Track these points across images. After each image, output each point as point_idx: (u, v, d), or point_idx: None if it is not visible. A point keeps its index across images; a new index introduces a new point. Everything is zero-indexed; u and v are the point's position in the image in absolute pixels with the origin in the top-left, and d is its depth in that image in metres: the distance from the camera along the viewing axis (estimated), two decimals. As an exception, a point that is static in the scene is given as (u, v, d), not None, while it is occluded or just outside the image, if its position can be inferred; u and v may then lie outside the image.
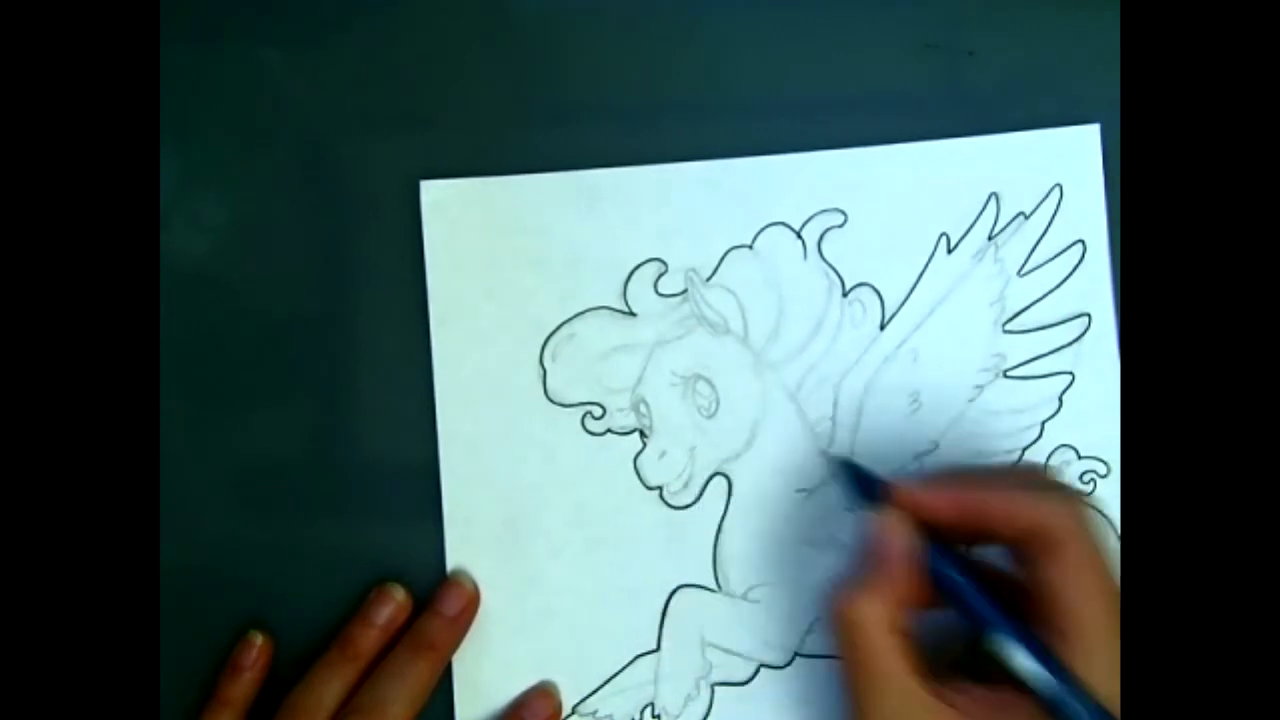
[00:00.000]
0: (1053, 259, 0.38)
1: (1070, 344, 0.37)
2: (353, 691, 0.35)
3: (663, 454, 0.38)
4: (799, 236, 0.38)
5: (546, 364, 0.38)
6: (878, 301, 0.38)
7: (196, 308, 0.38)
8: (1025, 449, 0.37)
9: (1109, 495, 0.37)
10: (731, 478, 0.38)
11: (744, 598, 0.37)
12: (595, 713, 0.37)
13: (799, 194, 0.38)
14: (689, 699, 0.37)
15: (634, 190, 0.38)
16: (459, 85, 0.39)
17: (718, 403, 0.38)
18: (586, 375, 0.38)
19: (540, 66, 0.39)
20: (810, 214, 0.38)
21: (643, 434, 0.38)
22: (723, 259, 0.38)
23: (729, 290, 0.38)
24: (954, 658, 0.32)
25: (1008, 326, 0.38)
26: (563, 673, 0.37)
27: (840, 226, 0.38)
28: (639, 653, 0.37)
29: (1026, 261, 0.38)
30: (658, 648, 0.37)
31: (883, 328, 0.38)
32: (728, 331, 0.38)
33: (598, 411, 0.38)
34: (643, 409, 0.38)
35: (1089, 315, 0.37)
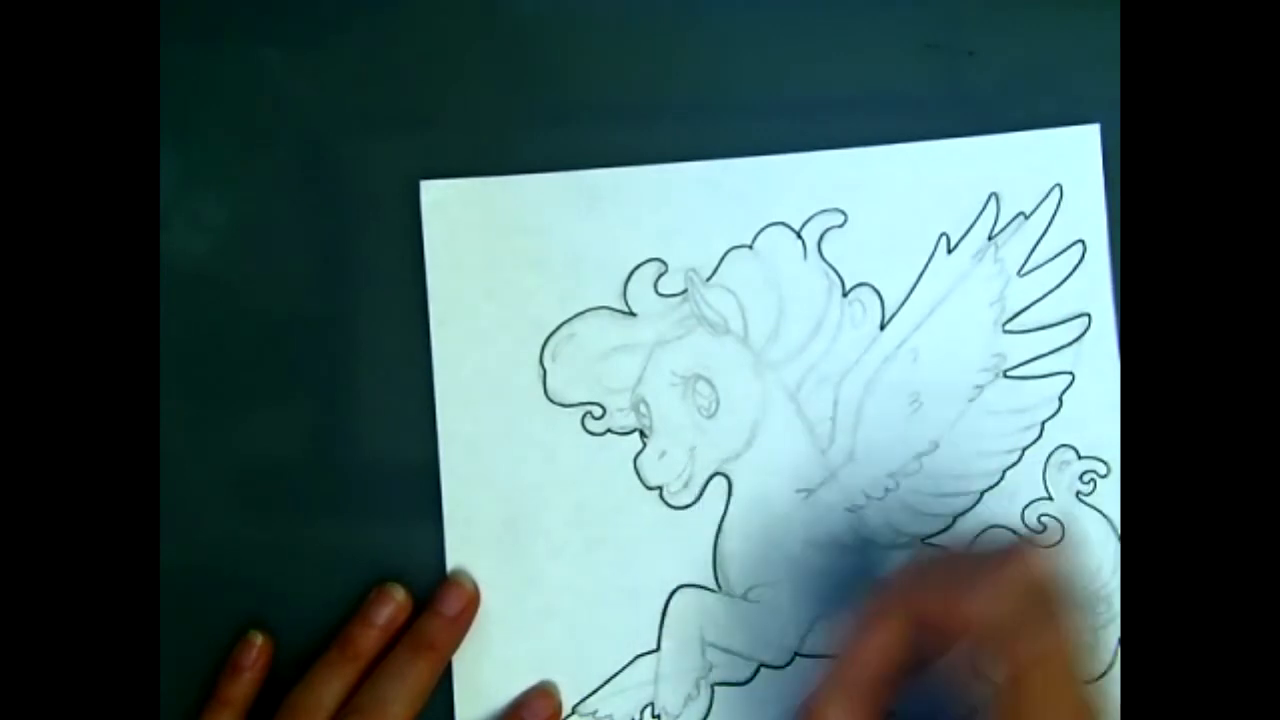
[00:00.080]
0: (1053, 259, 0.38)
1: (1070, 344, 0.37)
2: (353, 691, 0.35)
3: (663, 454, 0.38)
4: (799, 236, 0.38)
5: (546, 364, 0.38)
6: (878, 301, 0.38)
7: (196, 308, 0.38)
8: (1025, 449, 0.37)
9: (1109, 495, 0.37)
10: (731, 478, 0.38)
11: (744, 598, 0.37)
12: (595, 713, 0.37)
13: (799, 194, 0.38)
14: (689, 699, 0.37)
15: (634, 190, 0.38)
16: (459, 85, 0.39)
17: (718, 403, 0.38)
18: (586, 375, 0.38)
19: (540, 66, 0.39)
20: (810, 214, 0.38)
21: (643, 434, 0.38)
22: (723, 259, 0.38)
23: (729, 290, 0.38)
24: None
25: (1008, 326, 0.38)
26: (563, 673, 0.37)
27: (840, 226, 0.38)
28: (639, 653, 0.37)
29: (1026, 261, 0.38)
30: (658, 648, 0.37)
31: (883, 328, 0.38)
32: (728, 331, 0.38)
33: (598, 411, 0.38)
34: (643, 409, 0.38)
35: (1089, 315, 0.37)
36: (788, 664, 0.37)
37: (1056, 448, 0.37)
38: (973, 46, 0.38)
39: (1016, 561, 0.30)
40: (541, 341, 0.38)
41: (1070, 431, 0.37)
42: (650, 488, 0.38)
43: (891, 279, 0.38)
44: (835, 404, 0.37)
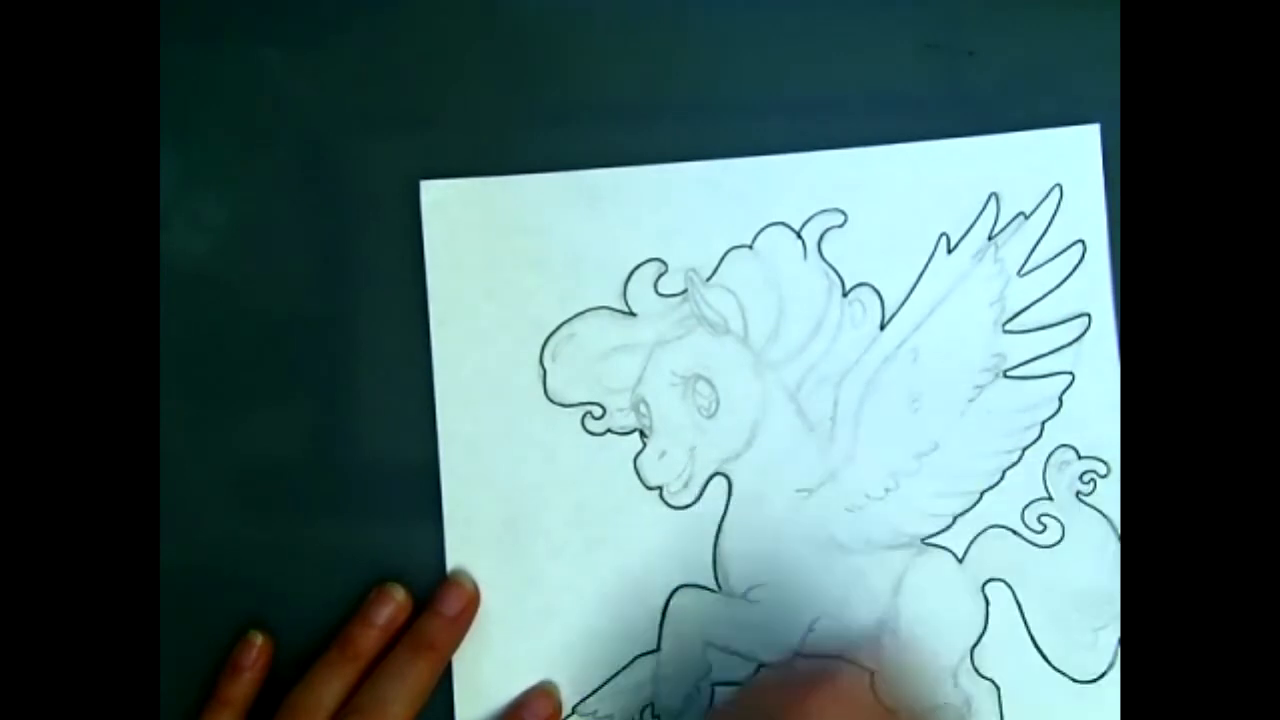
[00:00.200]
0: (1053, 259, 0.38)
1: (1070, 344, 0.37)
2: (353, 691, 0.35)
3: (663, 454, 0.38)
4: (799, 236, 0.38)
5: (546, 364, 0.38)
6: (878, 301, 0.38)
7: (196, 308, 0.38)
8: (1025, 449, 0.37)
9: (1109, 495, 0.37)
10: (731, 478, 0.38)
11: (744, 598, 0.37)
12: (595, 713, 0.37)
13: (799, 194, 0.38)
14: (689, 699, 0.37)
15: (634, 190, 0.38)
16: (459, 85, 0.39)
17: (718, 403, 0.38)
18: (586, 375, 0.38)
19: (540, 66, 0.39)
20: (810, 214, 0.38)
21: (643, 434, 0.38)
22: (723, 259, 0.38)
23: (729, 290, 0.38)
24: None
25: (1008, 326, 0.38)
26: (563, 673, 0.37)
27: (840, 226, 0.38)
28: (639, 653, 0.37)
29: (1026, 261, 0.38)
30: (658, 648, 0.37)
31: (883, 328, 0.38)
32: (728, 331, 0.38)
33: (598, 411, 0.38)
34: (643, 409, 0.38)
35: (1089, 315, 0.37)
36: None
37: (1056, 448, 0.37)
38: (973, 46, 0.38)
39: (826, 684, 0.33)
40: (541, 341, 0.38)
41: (1070, 431, 0.37)
42: (650, 488, 0.38)
43: (891, 279, 0.38)
44: (835, 404, 0.37)
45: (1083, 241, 0.38)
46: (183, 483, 0.38)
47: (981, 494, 0.37)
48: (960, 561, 0.37)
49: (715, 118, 0.38)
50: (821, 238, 0.38)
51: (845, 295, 0.38)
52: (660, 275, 0.38)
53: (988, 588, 0.37)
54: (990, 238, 0.38)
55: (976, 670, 0.37)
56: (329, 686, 0.35)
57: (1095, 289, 0.38)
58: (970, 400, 0.37)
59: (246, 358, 0.38)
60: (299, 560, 0.38)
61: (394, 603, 0.37)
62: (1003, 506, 0.37)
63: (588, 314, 0.38)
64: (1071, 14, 0.38)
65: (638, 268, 0.38)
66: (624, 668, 0.37)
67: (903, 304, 0.38)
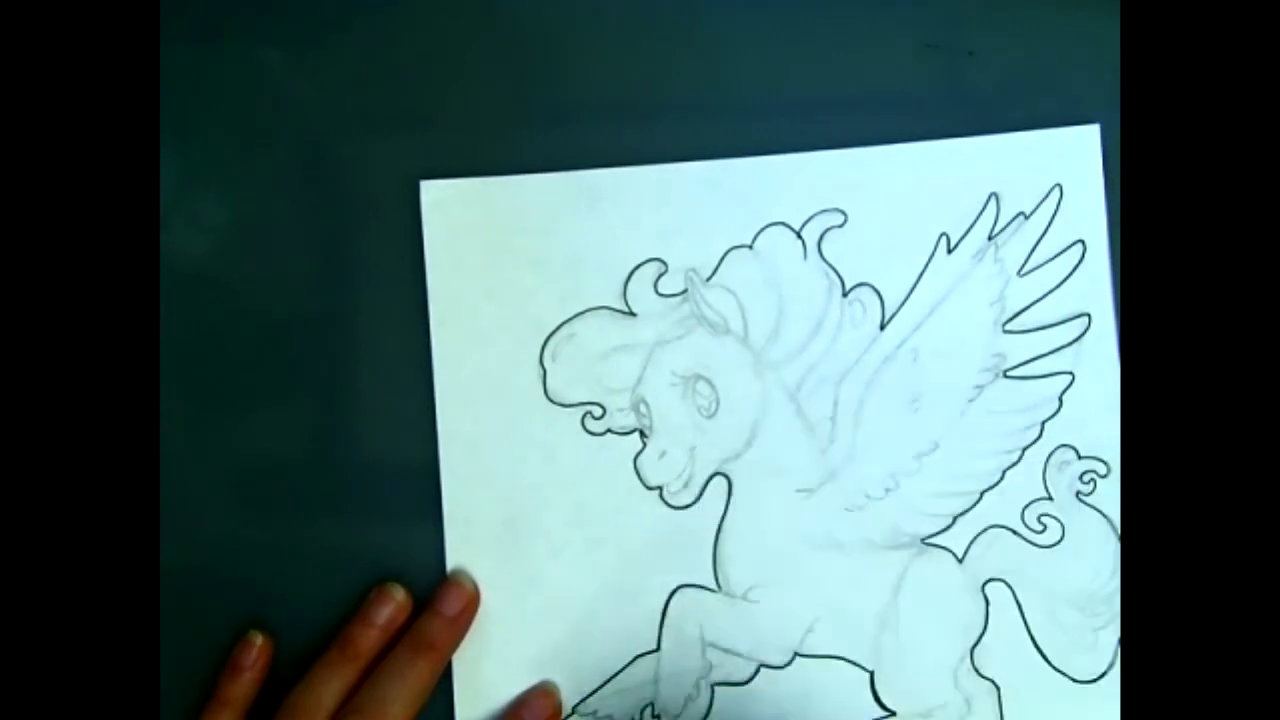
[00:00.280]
0: (1053, 259, 0.38)
1: (1070, 344, 0.37)
2: (353, 691, 0.35)
3: (663, 454, 0.38)
4: (799, 236, 0.38)
5: (546, 364, 0.38)
6: (878, 301, 0.38)
7: (196, 308, 0.38)
8: (1025, 449, 0.37)
9: (1109, 495, 0.37)
10: (731, 478, 0.38)
11: (744, 598, 0.37)
12: (595, 713, 0.37)
13: (799, 194, 0.38)
14: (689, 699, 0.37)
15: (634, 190, 0.38)
16: (459, 85, 0.39)
17: (718, 403, 0.38)
18: (586, 375, 0.38)
19: (540, 66, 0.39)
20: (810, 214, 0.38)
21: (643, 434, 0.38)
22: (723, 259, 0.38)
23: (729, 290, 0.38)
24: None
25: (1008, 326, 0.38)
26: (563, 673, 0.37)
27: (840, 226, 0.38)
28: (639, 653, 0.37)
29: (1026, 261, 0.38)
30: (658, 648, 0.37)
31: (883, 328, 0.38)
32: (728, 331, 0.38)
33: (598, 411, 0.38)
34: (643, 409, 0.38)
35: (1089, 315, 0.37)
36: (788, 664, 0.37)
37: (1056, 448, 0.37)
38: (973, 46, 0.38)
39: None
40: (541, 341, 0.38)
41: (1070, 431, 0.37)
42: (650, 488, 0.38)
43: (891, 279, 0.38)
44: (835, 404, 0.37)
45: (1083, 241, 0.38)
46: (183, 483, 0.38)
47: (981, 494, 0.37)
48: (960, 561, 0.37)
49: (715, 118, 0.38)
50: (821, 238, 0.38)
51: (845, 295, 0.38)
52: (660, 275, 0.38)
53: (988, 588, 0.37)
54: (990, 238, 0.38)
55: (976, 670, 0.37)
56: (329, 686, 0.35)
57: (1095, 289, 0.38)
58: (970, 400, 0.37)
59: (246, 358, 0.38)
60: (299, 560, 0.38)
61: (394, 603, 0.37)
62: (1003, 506, 0.37)
63: (588, 314, 0.38)
64: (1071, 14, 0.38)
65: (638, 268, 0.38)
66: (624, 668, 0.37)
67: (903, 304, 0.38)
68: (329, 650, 0.36)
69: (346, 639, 0.36)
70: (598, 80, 0.39)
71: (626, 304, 0.38)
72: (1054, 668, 0.37)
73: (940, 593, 0.37)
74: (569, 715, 0.37)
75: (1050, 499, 0.37)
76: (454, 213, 0.38)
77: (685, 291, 0.38)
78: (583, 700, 0.37)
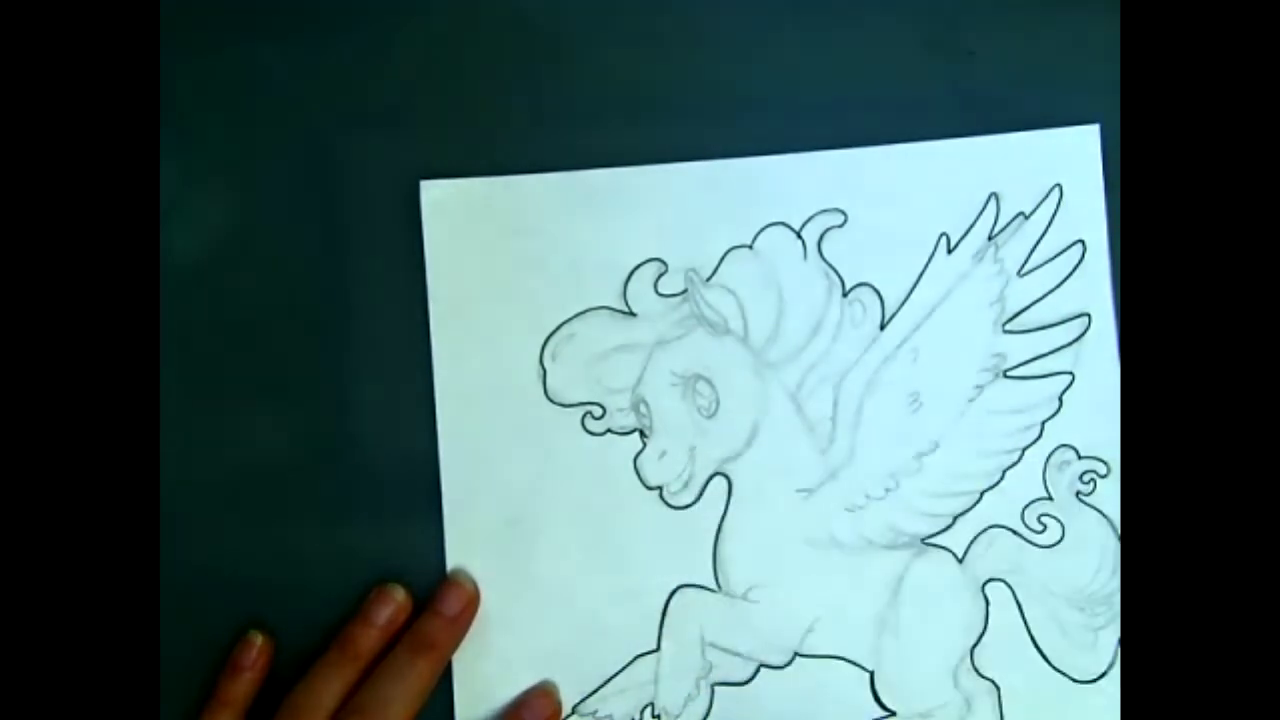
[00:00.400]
0: (1053, 259, 0.38)
1: (1070, 344, 0.37)
2: (353, 691, 0.35)
3: (663, 454, 0.38)
4: (799, 236, 0.38)
5: (546, 364, 0.38)
6: (878, 301, 0.38)
7: (196, 308, 0.38)
8: (1025, 449, 0.37)
9: (1109, 495, 0.37)
10: (731, 478, 0.38)
11: (744, 598, 0.37)
12: (595, 713, 0.37)
13: (799, 194, 0.38)
14: (689, 699, 0.37)
15: (634, 190, 0.38)
16: (459, 85, 0.39)
17: (718, 403, 0.38)
18: (586, 375, 0.38)
19: (541, 66, 0.39)
20: (810, 214, 0.38)
21: (643, 434, 0.38)
22: (723, 259, 0.38)
23: (729, 290, 0.38)
24: None
25: (1008, 326, 0.38)
26: (563, 673, 0.37)
27: (840, 226, 0.38)
28: (639, 653, 0.37)
29: (1026, 261, 0.38)
30: (658, 648, 0.37)
31: (883, 328, 0.38)
32: (728, 331, 0.38)
33: (598, 411, 0.38)
34: (643, 409, 0.38)
35: (1089, 315, 0.37)
36: (788, 664, 0.37)
37: (1056, 448, 0.37)
38: (973, 46, 0.38)
39: None
40: (541, 341, 0.38)
41: (1070, 431, 0.37)
42: (650, 488, 0.38)
43: (891, 279, 0.38)
44: (835, 404, 0.37)
45: (1082, 242, 0.38)
46: (183, 482, 0.38)
47: (981, 494, 0.37)
48: (960, 561, 0.37)
49: (715, 118, 0.38)
50: (821, 238, 0.38)
51: (845, 295, 0.38)
52: (660, 275, 0.38)
53: (988, 588, 0.37)
54: (990, 238, 0.38)
55: (976, 670, 0.37)
56: (329, 686, 0.35)
57: (1095, 289, 0.38)
58: (970, 400, 0.37)
59: (246, 357, 0.38)
60: (299, 560, 0.38)
61: (394, 603, 0.37)
62: (1003, 506, 0.37)
63: (588, 314, 0.38)
64: (1071, 14, 0.38)
65: (638, 268, 0.38)
66: (624, 668, 0.37)
67: (903, 304, 0.38)
68: (329, 650, 0.36)
69: (346, 639, 0.36)
70: (598, 80, 0.39)
71: (626, 304, 0.38)
72: (1054, 668, 0.37)
73: (940, 593, 0.37)
74: (569, 715, 0.37)
75: (1050, 499, 0.37)
76: (454, 213, 0.38)
77: (685, 291, 0.38)
78: (583, 700, 0.37)
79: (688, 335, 0.38)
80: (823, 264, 0.38)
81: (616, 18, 0.39)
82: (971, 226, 0.38)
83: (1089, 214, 0.38)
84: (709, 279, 0.38)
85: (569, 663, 0.37)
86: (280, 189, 0.39)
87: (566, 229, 0.38)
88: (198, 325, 0.38)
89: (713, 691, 0.37)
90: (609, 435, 0.38)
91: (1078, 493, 0.37)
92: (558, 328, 0.38)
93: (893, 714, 0.37)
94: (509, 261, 0.38)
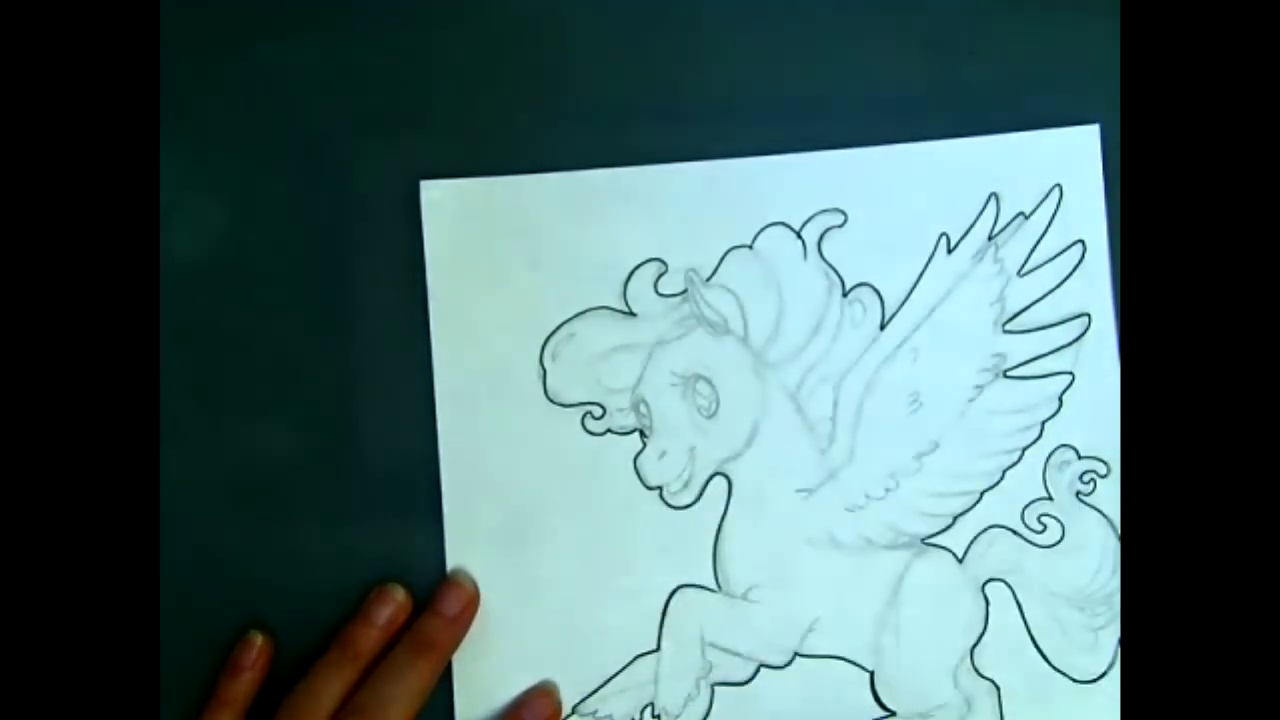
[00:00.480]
0: (1052, 259, 0.38)
1: (1070, 344, 0.37)
2: (353, 691, 0.35)
3: (663, 454, 0.38)
4: (799, 236, 0.38)
5: (546, 364, 0.38)
6: (878, 301, 0.38)
7: (196, 308, 0.38)
8: (1025, 449, 0.37)
9: (1109, 495, 0.37)
10: (731, 478, 0.38)
11: (744, 598, 0.37)
12: (595, 713, 0.37)
13: (799, 194, 0.38)
14: (689, 699, 0.37)
15: (634, 190, 0.38)
16: (459, 85, 0.39)
17: (718, 403, 0.38)
18: (586, 375, 0.38)
19: (541, 67, 0.39)
20: (810, 214, 0.38)
21: (643, 434, 0.38)
22: (723, 259, 0.38)
23: (729, 290, 0.38)
24: None
25: (1008, 326, 0.38)
26: (563, 673, 0.37)
27: (840, 226, 0.38)
28: (639, 653, 0.37)
29: (1026, 261, 0.38)
30: (658, 648, 0.37)
31: (883, 328, 0.38)
32: (728, 331, 0.38)
33: (598, 411, 0.38)
34: (643, 409, 0.38)
35: (1089, 315, 0.37)
36: (788, 664, 0.37)
37: (1056, 448, 0.37)
38: (973, 46, 0.38)
39: None
40: (541, 341, 0.38)
41: (1070, 431, 0.37)
42: (650, 488, 0.38)
43: (891, 279, 0.38)
44: (835, 404, 0.37)
45: (1082, 242, 0.38)
46: (183, 483, 0.38)
47: (981, 494, 0.37)
48: (960, 561, 0.37)
49: (715, 118, 0.38)
50: (821, 238, 0.38)
51: (845, 295, 0.38)
52: (660, 275, 0.38)
53: (988, 588, 0.37)
54: (990, 238, 0.38)
55: (976, 670, 0.37)
56: (329, 686, 0.35)
57: (1095, 289, 0.38)
58: (970, 400, 0.37)
59: (246, 357, 0.38)
60: (299, 560, 0.38)
61: (394, 603, 0.37)
62: (1003, 506, 0.37)
63: (588, 314, 0.38)
64: (1071, 14, 0.38)
65: (638, 268, 0.38)
66: (624, 668, 0.37)
67: (903, 304, 0.38)
68: (329, 650, 0.36)
69: (346, 639, 0.36)
70: (598, 80, 0.39)
71: (626, 304, 0.38)
72: (1054, 668, 0.37)
73: (940, 593, 0.37)
74: (569, 715, 0.37)
75: (1050, 499, 0.37)
76: (454, 213, 0.38)
77: (685, 291, 0.38)
78: (583, 700, 0.37)
79: (688, 335, 0.38)
80: (823, 264, 0.38)
81: (617, 18, 0.39)
82: (971, 226, 0.38)
83: (1089, 214, 0.38)
84: (709, 279, 0.38)
85: (569, 663, 0.37)
86: (280, 189, 0.39)
87: (566, 229, 0.38)
88: (197, 325, 0.38)
89: (713, 691, 0.37)
90: (609, 435, 0.38)
91: (1078, 493, 0.37)
92: (558, 328, 0.38)
93: (893, 714, 0.37)
94: (509, 261, 0.38)
